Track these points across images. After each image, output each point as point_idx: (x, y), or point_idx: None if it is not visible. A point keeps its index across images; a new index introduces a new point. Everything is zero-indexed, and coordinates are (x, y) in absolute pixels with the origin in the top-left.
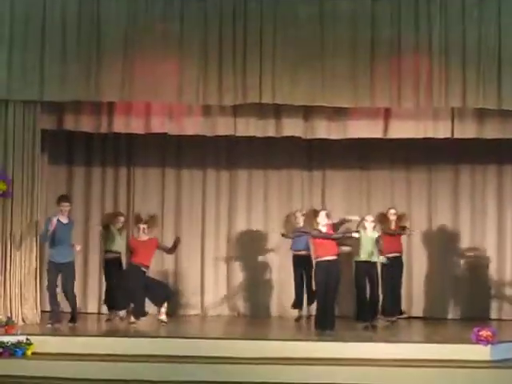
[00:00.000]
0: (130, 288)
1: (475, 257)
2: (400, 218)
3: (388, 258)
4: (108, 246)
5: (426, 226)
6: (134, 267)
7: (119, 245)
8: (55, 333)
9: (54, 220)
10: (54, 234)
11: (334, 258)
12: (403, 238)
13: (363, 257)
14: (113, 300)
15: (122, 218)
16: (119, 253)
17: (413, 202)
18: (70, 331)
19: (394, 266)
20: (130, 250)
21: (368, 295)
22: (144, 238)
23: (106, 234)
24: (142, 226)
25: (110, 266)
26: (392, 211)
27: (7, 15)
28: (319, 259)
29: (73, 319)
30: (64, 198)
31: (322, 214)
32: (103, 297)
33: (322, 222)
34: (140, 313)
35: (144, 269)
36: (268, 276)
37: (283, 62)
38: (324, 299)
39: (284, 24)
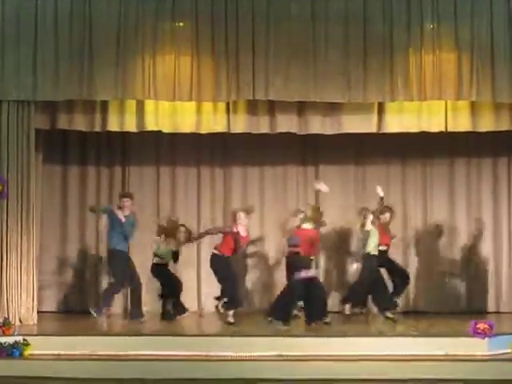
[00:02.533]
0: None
1: (471, 249)
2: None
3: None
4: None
5: (421, 221)
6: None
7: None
8: (52, 333)
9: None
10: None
11: None
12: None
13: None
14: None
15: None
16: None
17: (408, 197)
18: (67, 331)
19: None
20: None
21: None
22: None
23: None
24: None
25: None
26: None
27: None
28: None
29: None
30: (127, 194)
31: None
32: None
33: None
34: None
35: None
36: (262, 274)
37: (276, 59)
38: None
39: (276, 20)
